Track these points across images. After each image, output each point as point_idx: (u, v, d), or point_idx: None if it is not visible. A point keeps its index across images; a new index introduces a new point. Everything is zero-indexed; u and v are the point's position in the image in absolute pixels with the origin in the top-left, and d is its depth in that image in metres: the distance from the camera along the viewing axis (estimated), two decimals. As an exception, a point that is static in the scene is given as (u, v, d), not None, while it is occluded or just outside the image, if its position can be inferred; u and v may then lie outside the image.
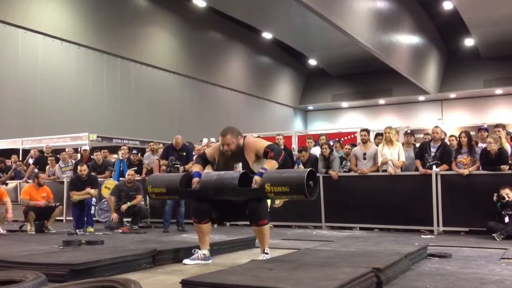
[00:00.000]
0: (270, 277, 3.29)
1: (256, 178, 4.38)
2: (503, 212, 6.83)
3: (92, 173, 10.29)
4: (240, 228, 8.29)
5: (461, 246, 6.01)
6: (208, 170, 4.91)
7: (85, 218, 8.70)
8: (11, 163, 13.04)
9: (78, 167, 9.18)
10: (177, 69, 23.09)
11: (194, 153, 9.49)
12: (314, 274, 3.38)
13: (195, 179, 4.65)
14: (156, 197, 4.92)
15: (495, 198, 6.89)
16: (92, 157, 11.28)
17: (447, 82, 28.81)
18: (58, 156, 11.69)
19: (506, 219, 6.75)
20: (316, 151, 9.67)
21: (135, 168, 10.08)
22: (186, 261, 4.70)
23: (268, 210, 4.64)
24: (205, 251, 4.76)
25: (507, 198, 6.79)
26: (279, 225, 8.76)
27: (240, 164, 4.61)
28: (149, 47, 21.53)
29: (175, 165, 8.37)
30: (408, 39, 23.83)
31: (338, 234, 7.72)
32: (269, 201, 4.68)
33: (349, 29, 17.74)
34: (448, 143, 8.51)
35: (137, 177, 9.76)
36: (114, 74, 20.13)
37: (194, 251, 4.79)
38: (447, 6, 21.55)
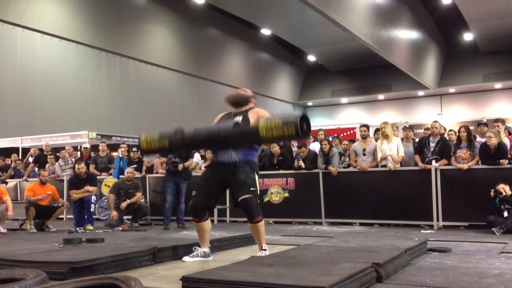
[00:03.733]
0: (270, 273, 3.29)
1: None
2: (502, 207, 6.85)
3: (92, 168, 10.32)
4: (240, 225, 8.30)
5: (460, 241, 6.01)
6: None
7: (85, 216, 8.72)
8: (11, 161, 13.04)
9: (76, 166, 9.16)
10: (176, 66, 23.06)
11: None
12: (314, 269, 3.39)
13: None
14: (146, 147, 4.58)
15: (492, 194, 6.91)
16: (92, 154, 11.28)
17: (446, 77, 28.76)
18: (58, 154, 11.71)
19: (505, 213, 6.77)
20: (315, 146, 9.65)
21: (135, 165, 10.08)
22: (185, 258, 4.70)
23: (258, 201, 4.57)
24: (205, 249, 4.75)
25: (504, 193, 6.80)
26: (279, 221, 8.78)
27: (241, 118, 4.63)
28: (148, 45, 21.49)
29: (174, 163, 8.38)
30: (407, 34, 23.79)
31: (338, 229, 7.72)
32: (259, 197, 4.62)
33: (348, 25, 17.70)
34: (447, 137, 8.52)
35: (137, 175, 9.77)
36: (113, 71, 20.10)
37: (194, 248, 4.79)
38: (446, 0, 21.51)
